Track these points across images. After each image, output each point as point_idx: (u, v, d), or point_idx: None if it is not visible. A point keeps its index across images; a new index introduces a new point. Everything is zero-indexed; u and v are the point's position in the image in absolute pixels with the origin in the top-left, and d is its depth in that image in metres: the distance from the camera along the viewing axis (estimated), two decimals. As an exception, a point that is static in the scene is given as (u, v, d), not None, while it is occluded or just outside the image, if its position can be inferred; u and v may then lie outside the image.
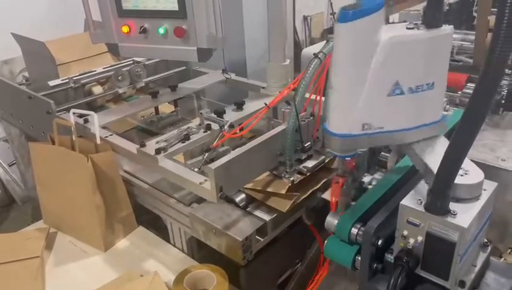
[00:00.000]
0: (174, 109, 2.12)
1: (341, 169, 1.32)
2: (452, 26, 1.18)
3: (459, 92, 1.92)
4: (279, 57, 1.80)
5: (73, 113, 1.67)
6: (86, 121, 1.70)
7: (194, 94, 2.30)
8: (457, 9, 2.81)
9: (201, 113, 1.59)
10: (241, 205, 1.45)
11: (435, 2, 1.13)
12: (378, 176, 1.43)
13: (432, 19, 1.13)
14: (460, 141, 0.94)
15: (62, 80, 2.09)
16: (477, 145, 1.43)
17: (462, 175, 1.08)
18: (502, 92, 1.71)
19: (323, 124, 1.39)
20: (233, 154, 1.30)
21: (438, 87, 1.20)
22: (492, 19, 2.23)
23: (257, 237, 1.40)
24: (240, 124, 1.64)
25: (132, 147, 1.50)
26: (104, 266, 1.53)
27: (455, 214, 1.01)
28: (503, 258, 1.68)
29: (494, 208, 1.38)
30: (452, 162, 0.97)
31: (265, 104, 1.48)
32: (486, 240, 1.18)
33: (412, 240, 1.08)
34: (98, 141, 1.60)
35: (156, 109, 2.00)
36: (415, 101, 1.17)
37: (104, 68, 2.20)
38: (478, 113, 0.91)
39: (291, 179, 1.42)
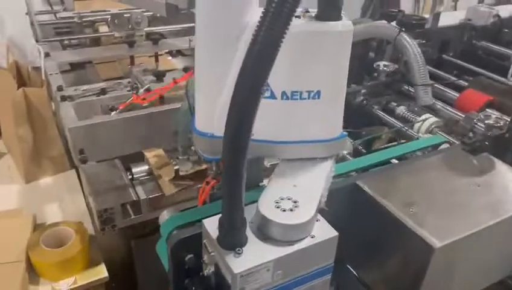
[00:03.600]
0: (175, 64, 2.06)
1: (213, 172, 1.14)
2: (351, 22, 0.91)
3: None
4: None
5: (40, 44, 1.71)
6: (47, 54, 1.73)
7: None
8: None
9: (132, 71, 1.50)
10: (131, 175, 1.36)
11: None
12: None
13: (324, 8, 0.89)
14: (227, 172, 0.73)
15: (74, 14, 2.15)
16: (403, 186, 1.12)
17: (283, 210, 0.85)
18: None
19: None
20: (100, 118, 1.20)
21: (328, 100, 0.95)
22: None
23: (133, 213, 1.31)
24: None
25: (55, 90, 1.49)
26: (13, 195, 1.57)
27: (239, 253, 0.81)
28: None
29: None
30: (228, 193, 0.76)
31: (173, 79, 1.33)
32: (317, 299, 0.93)
33: (208, 268, 0.90)
34: (43, 76, 1.62)
35: (132, 58, 1.95)
36: (291, 110, 0.94)
37: (119, 10, 2.20)
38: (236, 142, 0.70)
39: (177, 168, 1.27)
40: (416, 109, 1.65)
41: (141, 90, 1.39)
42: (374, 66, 1.67)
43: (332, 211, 1.11)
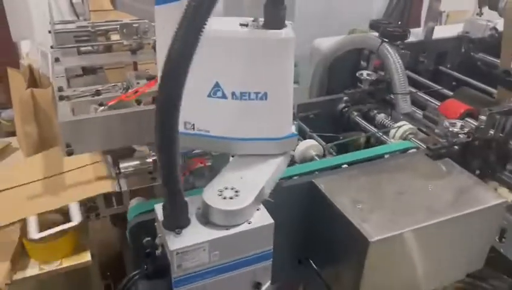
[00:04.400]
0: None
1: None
2: (292, 29, 1.00)
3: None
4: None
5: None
6: (57, 60, 1.89)
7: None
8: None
9: (126, 75, 1.63)
10: (118, 170, 1.48)
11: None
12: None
13: (270, 18, 0.99)
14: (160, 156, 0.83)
15: (88, 23, 2.32)
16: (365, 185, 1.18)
17: (224, 197, 0.95)
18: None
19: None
20: (87, 115, 1.33)
21: (275, 100, 1.05)
22: None
23: (116, 204, 1.43)
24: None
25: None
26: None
27: (179, 234, 0.91)
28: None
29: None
30: (165, 177, 0.86)
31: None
32: (259, 282, 1.01)
33: (159, 248, 1.00)
34: (51, 78, 1.78)
35: (135, 64, 2.09)
36: (241, 109, 1.05)
37: (130, 20, 2.36)
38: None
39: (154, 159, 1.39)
40: (401, 117, 1.71)
41: (129, 91, 1.52)
42: (357, 74, 1.74)
43: (290, 207, 1.20)
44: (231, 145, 1.09)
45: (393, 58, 1.66)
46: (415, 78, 1.97)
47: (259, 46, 0.99)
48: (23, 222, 1.43)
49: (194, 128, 1.09)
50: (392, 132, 1.55)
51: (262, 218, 0.96)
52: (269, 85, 1.02)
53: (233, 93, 1.02)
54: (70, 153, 1.32)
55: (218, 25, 1.03)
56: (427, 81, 1.97)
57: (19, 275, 1.34)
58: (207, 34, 0.98)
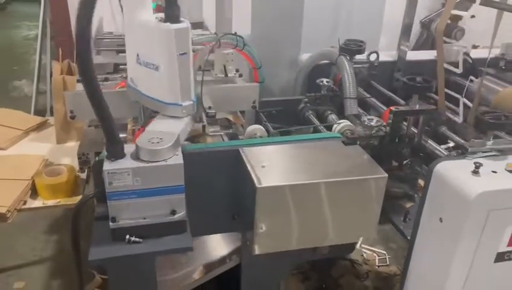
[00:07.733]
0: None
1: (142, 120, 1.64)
2: (183, 25, 1.40)
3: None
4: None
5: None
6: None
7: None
8: None
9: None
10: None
11: (169, 1, 1.39)
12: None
13: (168, 14, 1.40)
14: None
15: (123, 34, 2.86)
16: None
17: (152, 143, 1.33)
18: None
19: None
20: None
21: (166, 74, 1.45)
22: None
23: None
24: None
25: (79, 76, 2.12)
26: (45, 150, 2.21)
27: (113, 161, 1.30)
28: None
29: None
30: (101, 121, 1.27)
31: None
32: (174, 209, 1.36)
33: (107, 177, 1.39)
34: (80, 70, 2.27)
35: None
36: (148, 74, 1.49)
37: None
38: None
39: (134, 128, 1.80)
40: (366, 119, 2.00)
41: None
42: (317, 81, 2.07)
43: (222, 169, 1.55)
44: (148, 102, 1.53)
45: (347, 69, 1.97)
46: (379, 89, 2.25)
47: (155, 33, 1.41)
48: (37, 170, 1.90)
49: (133, 83, 1.54)
50: (334, 126, 1.85)
51: (175, 159, 1.33)
52: (161, 60, 1.44)
53: (145, 62, 1.47)
54: (72, 117, 1.78)
55: (144, 16, 1.45)
56: (389, 92, 2.24)
57: (28, 205, 1.79)
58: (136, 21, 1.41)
